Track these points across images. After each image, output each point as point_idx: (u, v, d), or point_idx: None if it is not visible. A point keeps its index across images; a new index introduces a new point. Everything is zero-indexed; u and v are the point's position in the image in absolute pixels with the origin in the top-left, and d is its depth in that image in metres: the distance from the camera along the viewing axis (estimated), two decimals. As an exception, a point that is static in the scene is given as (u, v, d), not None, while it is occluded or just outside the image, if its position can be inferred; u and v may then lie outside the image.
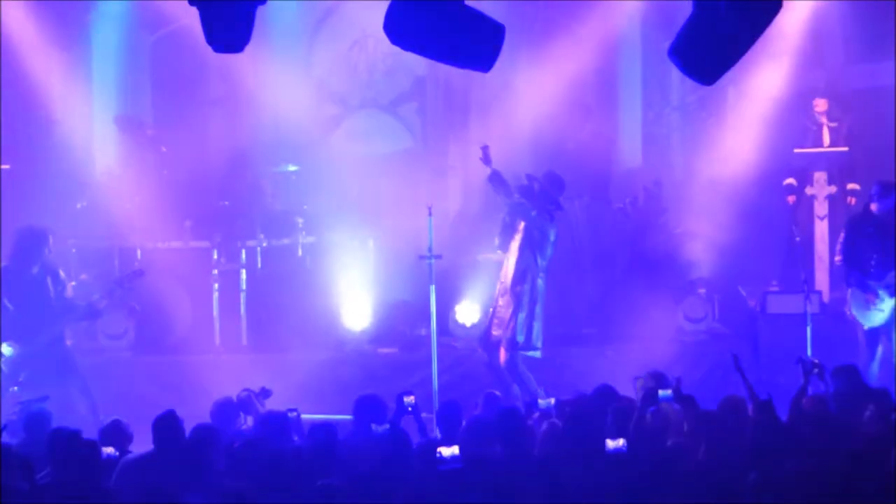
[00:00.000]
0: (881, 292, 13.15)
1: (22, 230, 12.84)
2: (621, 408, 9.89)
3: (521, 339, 13.30)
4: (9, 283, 12.58)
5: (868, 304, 13.20)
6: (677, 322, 15.20)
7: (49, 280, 12.70)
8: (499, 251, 14.17)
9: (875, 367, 13.11)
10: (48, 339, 12.58)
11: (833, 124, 15.71)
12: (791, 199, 15.69)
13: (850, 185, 15.57)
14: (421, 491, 8.52)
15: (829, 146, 15.67)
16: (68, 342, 13.48)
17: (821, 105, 15.69)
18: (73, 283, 14.35)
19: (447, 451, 8.97)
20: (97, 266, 14.83)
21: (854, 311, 13.28)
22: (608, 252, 15.18)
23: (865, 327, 13.27)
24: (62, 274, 13.09)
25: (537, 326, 13.39)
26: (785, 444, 9.22)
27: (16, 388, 12.34)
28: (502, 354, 13.38)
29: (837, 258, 13.62)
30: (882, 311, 13.18)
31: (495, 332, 13.48)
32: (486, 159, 13.23)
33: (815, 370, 10.32)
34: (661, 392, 9.92)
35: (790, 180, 15.73)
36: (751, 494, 8.20)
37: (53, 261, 12.92)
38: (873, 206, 13.34)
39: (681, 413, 9.87)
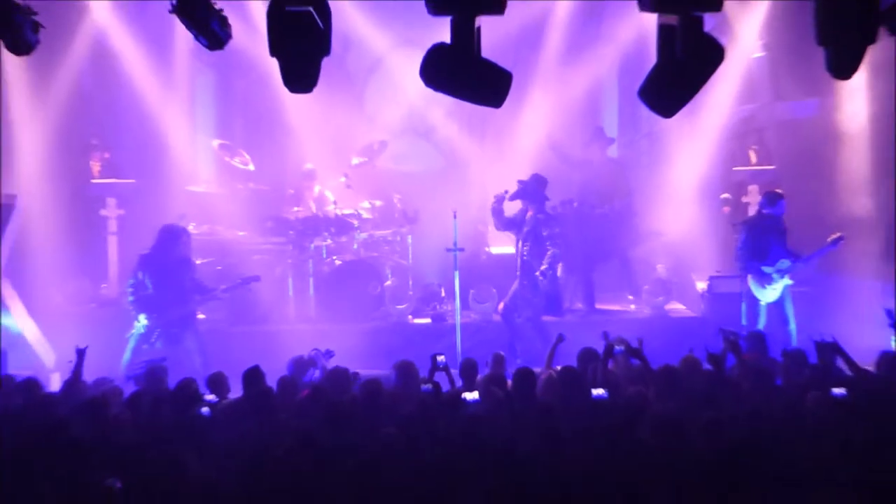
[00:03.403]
0: (774, 275, 13.23)
1: (165, 227, 12.92)
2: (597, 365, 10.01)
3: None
4: (150, 268, 12.64)
5: (763, 285, 13.27)
6: (644, 299, 15.28)
7: (183, 266, 12.74)
8: (496, 230, 14.23)
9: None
10: (180, 314, 12.63)
11: (755, 147, 16.02)
12: (726, 209, 15.78)
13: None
14: (450, 428, 8.60)
15: (756, 164, 15.86)
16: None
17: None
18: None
19: (470, 396, 9.07)
20: (200, 255, 14.90)
21: (754, 292, 13.31)
22: (593, 246, 15.18)
23: (763, 303, 13.33)
24: (195, 261, 13.18)
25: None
26: (729, 392, 9.29)
27: (146, 346, 12.48)
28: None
29: (736, 254, 13.57)
30: (775, 289, 13.27)
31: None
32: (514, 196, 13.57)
33: (732, 337, 10.37)
34: (616, 346, 10.04)
35: (726, 195, 15.86)
36: (701, 432, 8.20)
37: (188, 252, 13.01)
38: (765, 212, 13.41)
39: (639, 367, 9.96)
